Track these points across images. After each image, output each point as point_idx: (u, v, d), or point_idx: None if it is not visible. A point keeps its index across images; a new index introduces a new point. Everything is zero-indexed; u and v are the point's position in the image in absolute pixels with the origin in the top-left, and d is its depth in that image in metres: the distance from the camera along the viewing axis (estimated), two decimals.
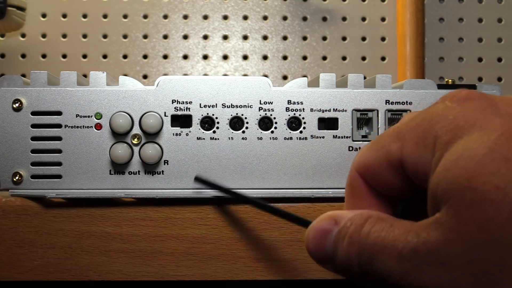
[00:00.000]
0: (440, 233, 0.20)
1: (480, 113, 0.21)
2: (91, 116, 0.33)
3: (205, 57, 0.67)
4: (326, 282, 0.34)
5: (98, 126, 0.33)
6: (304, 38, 0.67)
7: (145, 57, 0.66)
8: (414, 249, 0.20)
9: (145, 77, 0.66)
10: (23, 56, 0.66)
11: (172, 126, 0.34)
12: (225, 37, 0.67)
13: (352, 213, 0.23)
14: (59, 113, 0.33)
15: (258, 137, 0.34)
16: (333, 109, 0.34)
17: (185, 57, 0.67)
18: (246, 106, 0.34)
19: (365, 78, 0.35)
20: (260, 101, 0.34)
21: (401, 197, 0.25)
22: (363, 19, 0.68)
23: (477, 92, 0.23)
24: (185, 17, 0.67)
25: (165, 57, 0.67)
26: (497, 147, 0.20)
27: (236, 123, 0.34)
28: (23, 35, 0.66)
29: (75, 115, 0.33)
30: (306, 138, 0.34)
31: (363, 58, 0.68)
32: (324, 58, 0.67)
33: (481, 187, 0.19)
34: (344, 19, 0.68)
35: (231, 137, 0.34)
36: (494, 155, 0.19)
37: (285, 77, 0.67)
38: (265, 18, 0.67)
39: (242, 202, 0.33)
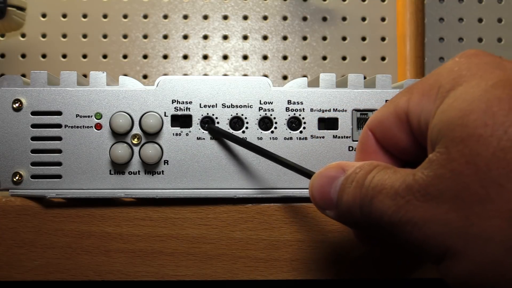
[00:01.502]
0: (431, 170, 0.21)
1: (483, 65, 0.22)
2: (91, 116, 0.33)
3: (205, 57, 0.67)
4: (326, 282, 0.34)
5: (98, 126, 0.33)
6: (304, 38, 0.67)
7: (145, 57, 0.66)
8: (408, 187, 0.21)
9: (145, 77, 0.66)
10: (23, 56, 0.66)
11: (172, 126, 0.34)
12: (225, 37, 0.67)
13: (362, 162, 0.24)
14: (59, 113, 0.33)
15: (258, 137, 0.34)
16: (333, 109, 0.34)
17: (185, 57, 0.67)
18: (246, 106, 0.34)
19: (365, 78, 0.35)
20: (260, 101, 0.34)
21: (405, 157, 0.26)
22: (363, 19, 0.68)
23: (486, 51, 0.23)
24: (185, 17, 0.67)
25: (165, 57, 0.67)
26: (492, 89, 0.20)
27: (236, 123, 0.34)
28: (23, 35, 0.66)
29: (75, 115, 0.33)
30: (306, 138, 0.34)
31: (363, 58, 0.68)
32: (324, 58, 0.67)
33: (471, 124, 0.20)
34: (344, 19, 0.68)
35: None
36: (487, 96, 0.20)
37: (285, 77, 0.67)
38: (265, 18, 0.67)
39: (250, 149, 0.33)
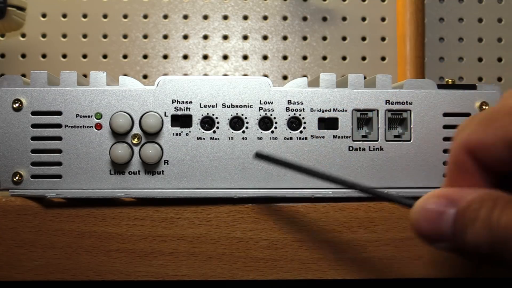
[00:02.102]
0: None
1: None
2: (91, 116, 0.33)
3: (205, 57, 0.67)
4: (326, 282, 0.34)
5: (98, 126, 0.33)
6: (304, 38, 0.67)
7: (145, 57, 0.66)
8: None
9: (145, 77, 0.66)
10: (23, 56, 0.66)
11: (172, 126, 0.34)
12: (225, 37, 0.67)
13: (472, 193, 0.24)
14: (59, 113, 0.33)
15: (258, 137, 0.34)
16: (333, 109, 0.34)
17: (185, 57, 0.67)
18: (246, 106, 0.34)
19: (365, 78, 0.35)
20: (260, 101, 0.34)
21: (507, 171, 0.25)
22: (363, 19, 0.68)
23: None
24: (185, 17, 0.67)
25: (165, 57, 0.67)
26: None
27: (236, 123, 0.34)
28: (23, 35, 0.66)
29: (75, 115, 0.33)
30: (306, 138, 0.34)
31: (363, 58, 0.68)
32: (324, 58, 0.67)
33: None
34: (344, 19, 0.68)
35: (231, 137, 0.34)
36: None
37: (285, 77, 0.67)
38: (265, 18, 0.67)
39: (314, 176, 0.30)
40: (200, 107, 0.34)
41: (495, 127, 0.24)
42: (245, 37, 0.67)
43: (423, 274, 0.34)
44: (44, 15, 0.66)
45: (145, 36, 0.66)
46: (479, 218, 0.23)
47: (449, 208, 0.24)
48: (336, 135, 0.34)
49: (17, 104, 0.33)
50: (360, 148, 0.34)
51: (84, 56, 0.66)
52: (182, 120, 0.34)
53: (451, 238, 0.24)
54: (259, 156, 0.31)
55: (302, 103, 0.34)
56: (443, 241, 0.25)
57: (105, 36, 0.66)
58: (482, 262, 0.27)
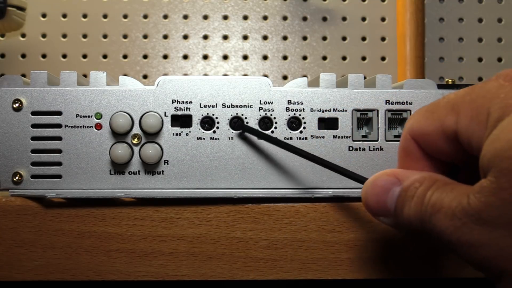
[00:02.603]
0: (484, 196, 0.22)
1: None
2: (91, 116, 0.33)
3: (205, 57, 0.67)
4: (326, 282, 0.34)
5: (98, 126, 0.33)
6: (304, 38, 0.67)
7: (145, 57, 0.66)
8: (464, 209, 0.23)
9: (145, 77, 0.66)
10: (23, 56, 0.66)
11: (172, 126, 0.34)
12: (225, 37, 0.67)
13: (417, 174, 0.26)
14: (59, 113, 0.33)
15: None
16: (333, 109, 0.34)
17: (185, 57, 0.67)
18: (246, 106, 0.34)
19: (365, 78, 0.35)
20: (260, 101, 0.34)
21: (451, 160, 0.27)
22: (363, 19, 0.68)
23: None
24: (185, 17, 0.67)
25: (165, 57, 0.67)
26: None
27: (236, 123, 0.34)
28: (23, 35, 0.66)
29: (75, 115, 0.33)
30: (306, 138, 0.34)
31: (363, 58, 0.68)
32: (324, 58, 0.67)
33: None
34: (344, 19, 0.68)
35: (231, 137, 0.34)
36: None
37: (285, 77, 0.67)
38: (265, 18, 0.67)
39: (288, 150, 0.33)
40: (200, 107, 0.34)
41: (433, 117, 0.26)
42: (245, 37, 0.67)
43: (423, 274, 0.34)
44: (44, 15, 0.66)
45: (145, 36, 0.66)
46: (415, 195, 0.25)
47: (395, 186, 0.26)
48: (336, 135, 0.34)
49: (17, 104, 0.33)
50: (360, 148, 0.34)
51: (84, 56, 0.66)
52: (182, 120, 0.34)
53: (393, 214, 0.26)
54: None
55: (302, 103, 0.34)
56: (386, 215, 0.26)
57: (105, 36, 0.66)
58: (415, 238, 0.29)
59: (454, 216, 0.23)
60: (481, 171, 0.23)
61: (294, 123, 0.34)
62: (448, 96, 0.26)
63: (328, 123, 0.34)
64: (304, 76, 0.67)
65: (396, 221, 0.26)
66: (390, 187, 0.26)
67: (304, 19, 0.67)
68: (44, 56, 0.66)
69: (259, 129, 0.34)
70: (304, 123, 0.34)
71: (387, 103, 0.34)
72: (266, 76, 0.66)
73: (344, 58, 0.67)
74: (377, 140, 0.34)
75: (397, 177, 0.26)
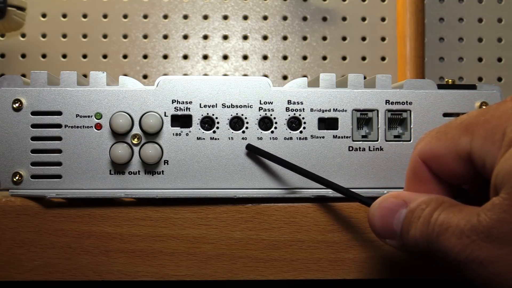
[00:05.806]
0: (495, 213, 0.22)
1: None
2: (91, 116, 0.33)
3: (205, 57, 0.67)
4: (326, 282, 0.34)
5: (98, 126, 0.33)
6: (304, 38, 0.67)
7: (145, 57, 0.66)
8: (473, 227, 0.23)
9: (145, 77, 0.66)
10: (23, 56, 0.66)
11: (172, 126, 0.34)
12: (225, 37, 0.67)
13: (424, 196, 0.26)
14: (59, 113, 0.33)
15: (258, 137, 0.34)
16: (333, 109, 0.34)
17: (185, 57, 0.67)
18: (246, 106, 0.34)
19: (365, 78, 0.35)
20: (260, 101, 0.34)
21: (461, 183, 0.27)
22: (363, 19, 0.68)
23: None
24: (185, 17, 0.67)
25: (165, 57, 0.67)
26: None
27: (236, 123, 0.34)
28: (23, 35, 0.66)
29: (75, 115, 0.33)
30: (306, 138, 0.34)
31: (363, 58, 0.68)
32: (324, 58, 0.67)
33: None
34: (344, 19, 0.68)
35: (231, 137, 0.34)
36: None
37: (285, 77, 0.67)
38: (265, 18, 0.67)
39: (294, 171, 0.33)
40: (200, 107, 0.34)
41: (446, 138, 0.26)
42: (245, 37, 0.67)
43: (423, 274, 0.34)
44: (44, 15, 0.66)
45: (145, 36, 0.66)
46: (422, 216, 0.25)
47: (402, 208, 0.26)
48: (336, 135, 0.34)
49: (17, 104, 0.33)
50: (360, 148, 0.34)
51: (84, 56, 0.66)
52: (182, 120, 0.34)
53: (399, 236, 0.26)
54: (249, 148, 0.33)
55: (302, 103, 0.34)
56: (392, 237, 0.26)
57: (105, 36, 0.66)
58: (421, 259, 0.29)
59: (462, 235, 0.23)
60: (493, 189, 0.23)
61: (294, 123, 0.34)
62: (461, 117, 0.26)
63: (328, 123, 0.34)
64: (304, 76, 0.67)
65: (402, 243, 0.26)
66: (397, 209, 0.26)
67: (304, 19, 0.67)
68: (44, 56, 0.66)
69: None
70: (304, 123, 0.34)
71: (387, 103, 0.34)
72: (266, 76, 0.66)
73: (344, 58, 0.67)
74: (377, 140, 0.34)
75: (403, 199, 0.26)
